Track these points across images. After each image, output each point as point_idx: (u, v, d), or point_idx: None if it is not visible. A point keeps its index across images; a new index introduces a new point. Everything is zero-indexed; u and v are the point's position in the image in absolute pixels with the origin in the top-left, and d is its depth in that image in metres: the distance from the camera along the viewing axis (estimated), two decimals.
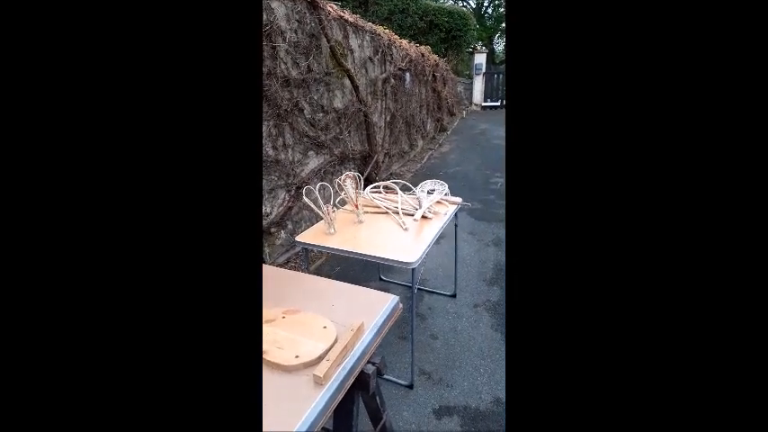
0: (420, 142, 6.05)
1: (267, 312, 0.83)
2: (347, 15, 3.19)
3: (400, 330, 1.94)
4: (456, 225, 2.01)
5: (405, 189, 1.86)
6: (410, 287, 1.42)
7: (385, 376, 1.64)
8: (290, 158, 2.52)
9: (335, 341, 0.74)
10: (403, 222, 1.55)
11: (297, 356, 0.71)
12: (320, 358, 0.70)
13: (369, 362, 0.79)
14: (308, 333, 0.76)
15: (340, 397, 0.70)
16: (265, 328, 0.78)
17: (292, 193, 2.53)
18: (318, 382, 0.67)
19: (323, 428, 0.67)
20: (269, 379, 0.69)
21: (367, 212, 1.68)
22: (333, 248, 1.40)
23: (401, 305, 0.95)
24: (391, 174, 4.45)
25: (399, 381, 1.63)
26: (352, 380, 0.73)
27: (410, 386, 1.60)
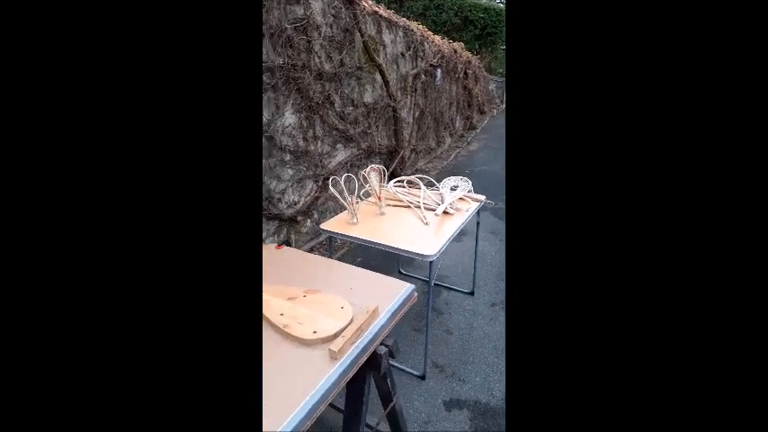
0: (448, 139, 6.01)
1: (290, 290, 0.89)
2: (381, 11, 3.22)
3: (416, 323, 1.98)
4: (478, 223, 2.01)
5: (429, 185, 1.89)
6: (428, 281, 1.45)
7: (398, 365, 1.69)
8: (319, 150, 2.59)
9: (351, 321, 0.79)
10: (424, 216, 1.58)
11: (315, 332, 0.76)
12: (336, 335, 0.75)
13: (381, 343, 0.83)
14: (327, 312, 0.82)
15: (352, 372, 0.74)
16: (288, 305, 0.84)
17: (320, 183, 2.61)
18: (333, 356, 0.72)
19: (330, 405, 0.72)
20: (288, 350, 0.75)
21: (389, 205, 1.72)
22: (354, 237, 1.45)
23: (416, 294, 0.98)
24: (416, 170, 4.47)
25: (412, 371, 1.67)
26: (364, 358, 0.78)
27: (422, 377, 1.64)
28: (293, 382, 0.67)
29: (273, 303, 0.85)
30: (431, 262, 1.35)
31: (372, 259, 2.59)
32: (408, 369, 1.68)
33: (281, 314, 0.81)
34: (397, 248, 1.36)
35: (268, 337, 0.78)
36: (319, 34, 2.40)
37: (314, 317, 0.80)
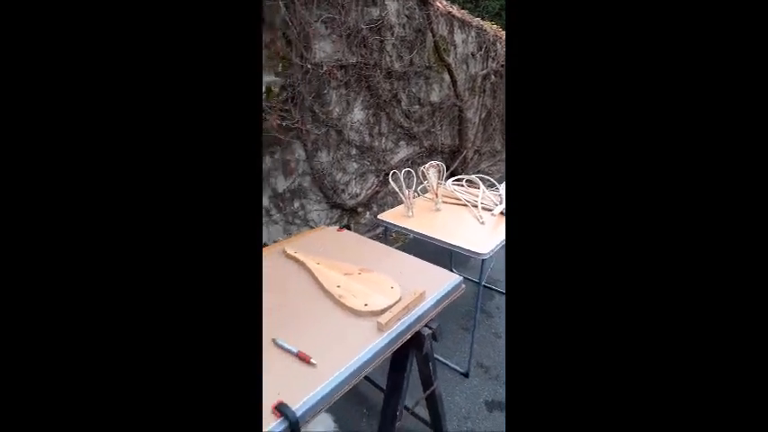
0: None
1: (347, 267, 0.99)
2: (455, 11, 3.22)
3: (464, 322, 1.98)
4: None
5: (489, 186, 1.88)
6: (479, 281, 1.46)
7: (442, 359, 1.72)
8: (383, 146, 2.70)
9: (399, 300, 0.86)
10: (480, 216, 1.59)
11: (366, 305, 0.84)
12: (384, 310, 0.82)
13: (426, 325, 0.88)
14: (378, 289, 0.89)
15: (396, 346, 0.81)
16: (344, 279, 0.93)
17: (380, 178, 2.72)
18: (380, 328, 0.79)
19: (372, 382, 0.78)
20: (341, 318, 0.84)
21: (446, 203, 1.75)
22: (408, 229, 1.51)
23: (464, 286, 1.02)
24: (479, 171, 4.38)
25: (456, 367, 1.69)
26: (408, 335, 0.84)
27: (466, 374, 1.65)
28: (344, 345, 0.76)
29: (331, 276, 0.94)
30: (483, 260, 1.36)
31: (425, 256, 2.62)
32: (452, 365, 1.71)
33: (338, 286, 0.90)
34: (449, 243, 1.39)
35: (324, 305, 0.88)
36: (392, 34, 2.49)
37: (366, 292, 0.88)
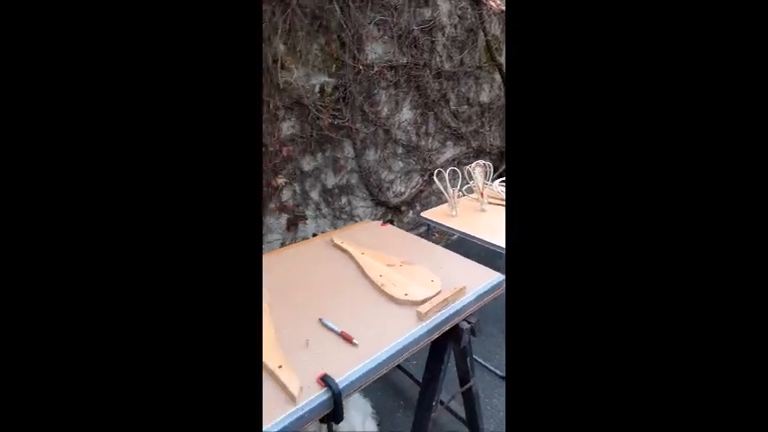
0: None
1: (390, 258, 1.03)
2: None
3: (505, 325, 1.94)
4: None
5: None
6: None
7: (482, 362, 1.70)
8: (429, 146, 2.71)
9: (439, 293, 0.88)
10: None
11: (406, 294, 0.87)
12: (424, 301, 0.85)
13: (465, 320, 0.90)
14: (419, 281, 0.92)
15: (434, 336, 0.84)
16: (386, 269, 0.98)
17: (425, 177, 2.73)
18: (420, 317, 0.82)
19: (398, 366, 0.81)
20: (382, 305, 0.88)
21: (492, 203, 1.73)
22: (451, 228, 1.52)
23: (505, 285, 1.01)
24: None
25: (496, 370, 1.67)
26: (447, 327, 0.86)
27: (505, 378, 1.62)
28: (384, 330, 0.80)
29: (375, 266, 0.99)
30: None
31: (469, 257, 2.60)
32: (492, 367, 1.69)
33: (380, 275, 0.95)
34: (492, 243, 1.38)
35: (367, 291, 0.93)
36: (443, 35, 2.50)
37: (406, 283, 0.92)
